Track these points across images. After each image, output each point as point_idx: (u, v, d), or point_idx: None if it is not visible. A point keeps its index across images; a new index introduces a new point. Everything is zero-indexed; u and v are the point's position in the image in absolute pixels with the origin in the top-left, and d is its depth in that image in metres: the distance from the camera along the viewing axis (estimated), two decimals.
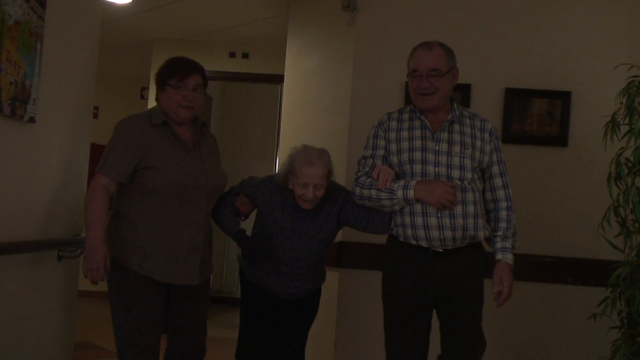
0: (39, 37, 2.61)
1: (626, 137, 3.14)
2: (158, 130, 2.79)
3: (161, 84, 2.84)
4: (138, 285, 2.74)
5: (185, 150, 2.83)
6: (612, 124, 3.17)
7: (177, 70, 2.82)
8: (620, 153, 3.16)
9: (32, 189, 2.70)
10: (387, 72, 3.89)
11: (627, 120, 3.14)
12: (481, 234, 2.82)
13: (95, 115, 7.51)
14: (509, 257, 2.84)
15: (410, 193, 2.73)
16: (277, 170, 5.56)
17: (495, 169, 2.89)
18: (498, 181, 2.90)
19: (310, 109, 4.47)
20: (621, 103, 3.18)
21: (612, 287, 3.11)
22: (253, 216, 3.15)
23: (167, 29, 5.96)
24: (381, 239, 3.03)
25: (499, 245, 2.86)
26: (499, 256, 2.85)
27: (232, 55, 6.17)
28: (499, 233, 2.87)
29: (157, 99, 2.92)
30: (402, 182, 2.77)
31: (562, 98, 3.79)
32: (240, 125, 7.82)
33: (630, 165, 3.13)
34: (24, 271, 2.69)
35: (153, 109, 2.89)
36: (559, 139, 3.80)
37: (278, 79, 5.62)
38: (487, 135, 2.87)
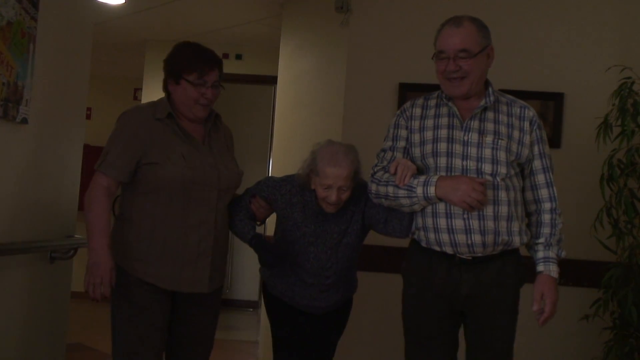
0: (31, 38, 2.60)
1: (618, 138, 3.15)
2: (162, 123, 2.54)
3: (175, 77, 2.56)
4: (141, 294, 2.49)
5: (192, 143, 2.57)
6: (605, 126, 3.19)
7: (197, 66, 2.54)
8: (613, 154, 3.18)
9: (24, 190, 2.69)
10: (381, 73, 3.90)
11: (619, 122, 3.16)
12: (517, 239, 2.42)
13: (88, 116, 7.50)
14: (552, 269, 2.43)
15: (431, 190, 2.35)
16: (270, 170, 5.54)
17: (537, 164, 2.48)
18: (540, 178, 2.48)
19: (304, 111, 4.47)
20: (613, 105, 3.20)
21: (605, 288, 3.12)
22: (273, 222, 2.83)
23: (160, 30, 5.95)
24: (379, 240, 3.00)
25: (540, 254, 2.45)
26: (540, 268, 2.44)
27: (225, 56, 6.17)
28: (541, 240, 2.46)
29: (165, 90, 2.64)
30: (422, 178, 2.39)
31: (555, 99, 3.80)
32: (234, 126, 7.72)
33: (622, 166, 3.15)
34: (16, 272, 2.68)
35: (159, 101, 2.62)
36: (552, 141, 3.80)
37: (271, 80, 5.62)
38: (527, 125, 2.45)
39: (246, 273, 7.39)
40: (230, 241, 2.73)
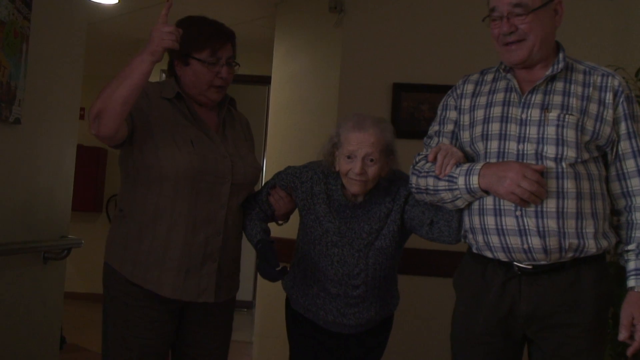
0: (24, 38, 2.59)
1: None
2: (170, 103, 2.21)
3: (183, 57, 2.23)
4: (144, 306, 2.15)
5: (203, 128, 2.23)
6: None
7: (207, 41, 2.23)
8: None
9: (17, 191, 2.68)
10: (375, 73, 3.90)
11: None
12: (591, 244, 1.88)
13: (82, 117, 7.47)
14: None
15: (474, 180, 1.87)
16: (264, 170, 5.55)
17: (624, 146, 1.92)
18: (630, 164, 1.92)
19: (298, 111, 4.47)
20: None
21: None
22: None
23: None
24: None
25: (632, 265, 1.89)
26: (631, 283, 1.89)
27: None
28: (632, 247, 1.90)
29: (172, 74, 2.31)
30: (465, 166, 1.92)
31: None
32: None
33: None
34: (9, 273, 2.67)
35: (165, 81, 2.30)
36: None
37: (265, 81, 5.61)
38: (609, 96, 1.91)
39: (240, 272, 7.37)
40: None
